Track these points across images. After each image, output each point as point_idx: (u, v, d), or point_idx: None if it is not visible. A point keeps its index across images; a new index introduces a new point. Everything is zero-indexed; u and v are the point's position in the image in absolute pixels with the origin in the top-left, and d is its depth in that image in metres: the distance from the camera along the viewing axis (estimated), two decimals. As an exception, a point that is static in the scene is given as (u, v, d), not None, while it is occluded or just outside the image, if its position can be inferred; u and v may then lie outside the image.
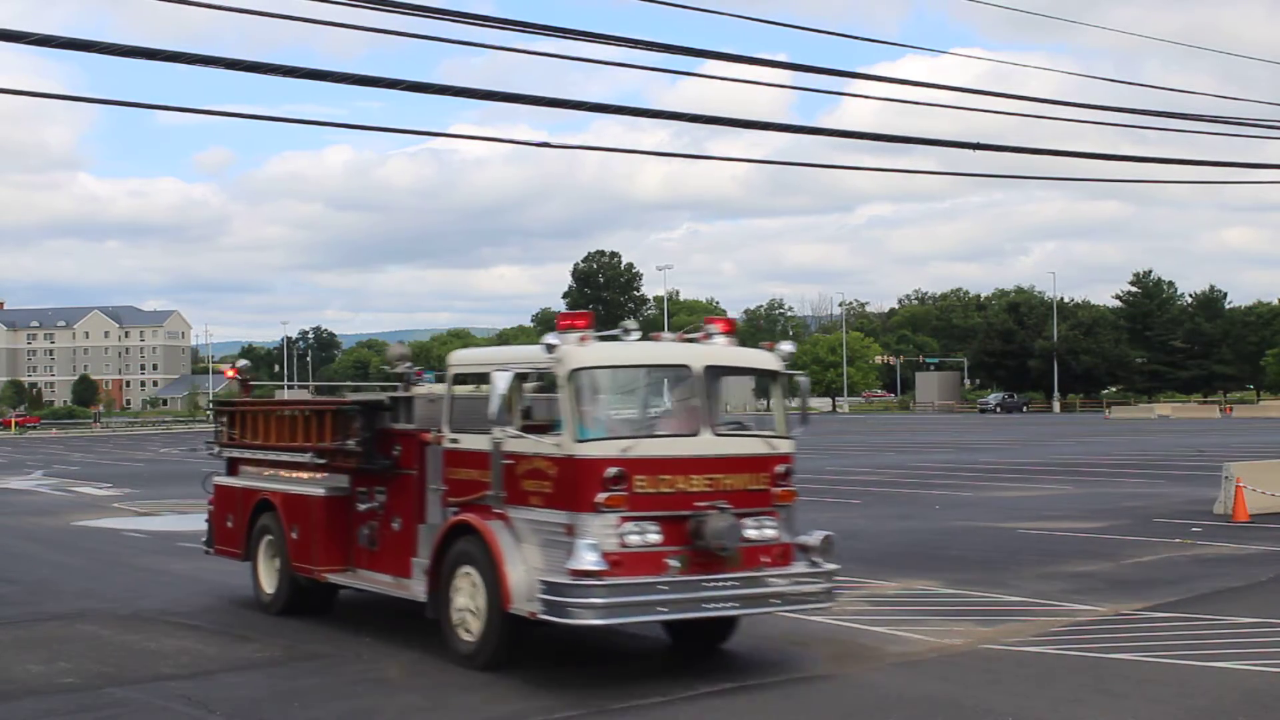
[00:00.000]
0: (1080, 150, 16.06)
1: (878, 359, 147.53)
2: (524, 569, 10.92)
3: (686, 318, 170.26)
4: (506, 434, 11.22)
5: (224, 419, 16.34)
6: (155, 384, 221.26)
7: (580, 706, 10.11)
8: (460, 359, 12.87)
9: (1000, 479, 33.96)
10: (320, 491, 13.90)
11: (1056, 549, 19.31)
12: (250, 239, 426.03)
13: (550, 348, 11.01)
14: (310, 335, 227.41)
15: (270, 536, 14.73)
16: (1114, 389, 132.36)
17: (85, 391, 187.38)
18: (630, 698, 10.39)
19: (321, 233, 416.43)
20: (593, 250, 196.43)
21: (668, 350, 11.87)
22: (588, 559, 10.32)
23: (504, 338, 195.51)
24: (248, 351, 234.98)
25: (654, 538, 10.71)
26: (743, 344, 12.42)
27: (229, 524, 15.65)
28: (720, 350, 11.86)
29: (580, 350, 11.05)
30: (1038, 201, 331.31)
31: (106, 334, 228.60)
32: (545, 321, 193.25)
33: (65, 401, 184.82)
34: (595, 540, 10.43)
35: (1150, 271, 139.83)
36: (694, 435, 11.11)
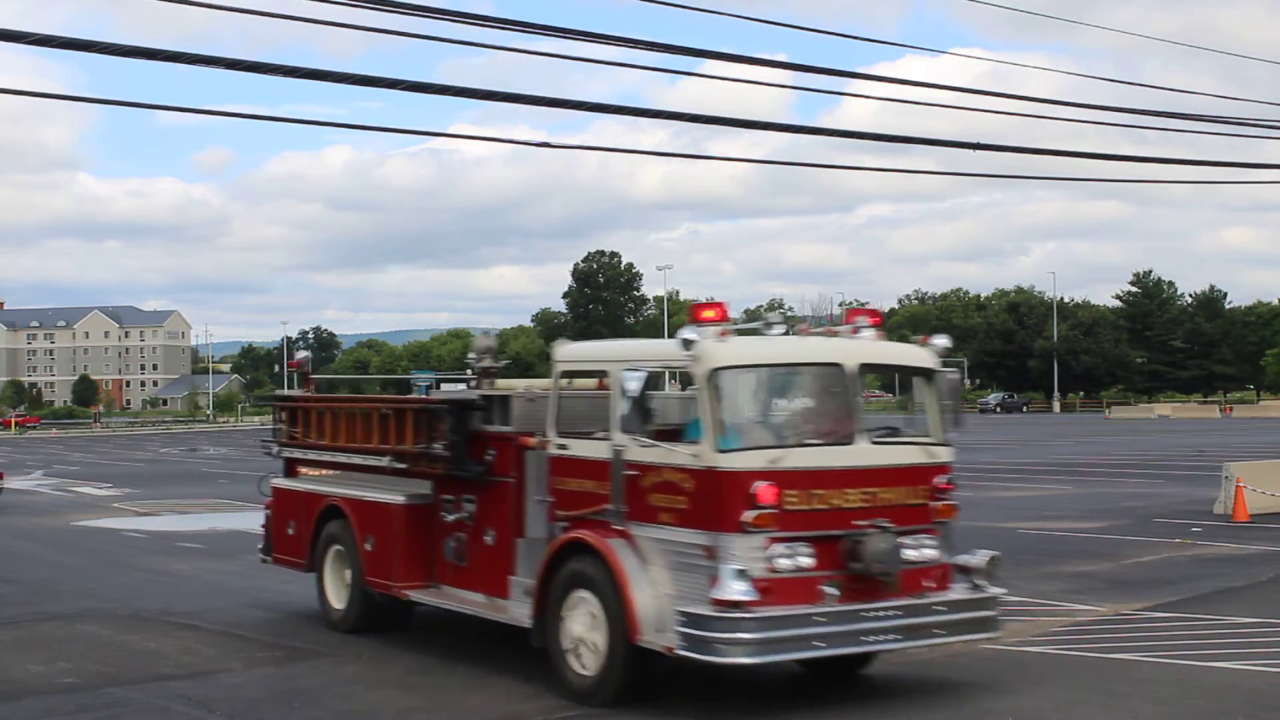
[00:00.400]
0: (1080, 150, 16.09)
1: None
2: (653, 595, 9.70)
3: (686, 318, 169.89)
4: (633, 442, 9.98)
5: (284, 416, 14.95)
6: (155, 384, 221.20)
7: (580, 706, 10.11)
8: (572, 353, 11.51)
9: (1000, 479, 33.95)
10: (400, 499, 12.59)
11: (1056, 549, 19.31)
12: (250, 239, 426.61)
13: (688, 343, 9.74)
14: (310, 335, 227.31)
15: (339, 547, 13.40)
16: (1114, 389, 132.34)
17: (85, 391, 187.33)
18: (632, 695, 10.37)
19: (321, 233, 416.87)
20: (593, 250, 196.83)
21: (818, 347, 10.52)
22: (735, 588, 9.16)
23: (504, 337, 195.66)
24: (248, 351, 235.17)
25: (806, 561, 9.53)
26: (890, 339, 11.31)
27: (290, 531, 14.28)
28: (873, 346, 10.67)
29: (722, 346, 9.84)
30: (1038, 201, 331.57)
31: (106, 334, 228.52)
32: (544, 321, 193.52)
33: (65, 401, 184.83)
34: (743, 565, 9.25)
35: (1150, 271, 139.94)
36: (848, 444, 9.95)
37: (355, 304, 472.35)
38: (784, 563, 9.47)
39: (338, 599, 13.53)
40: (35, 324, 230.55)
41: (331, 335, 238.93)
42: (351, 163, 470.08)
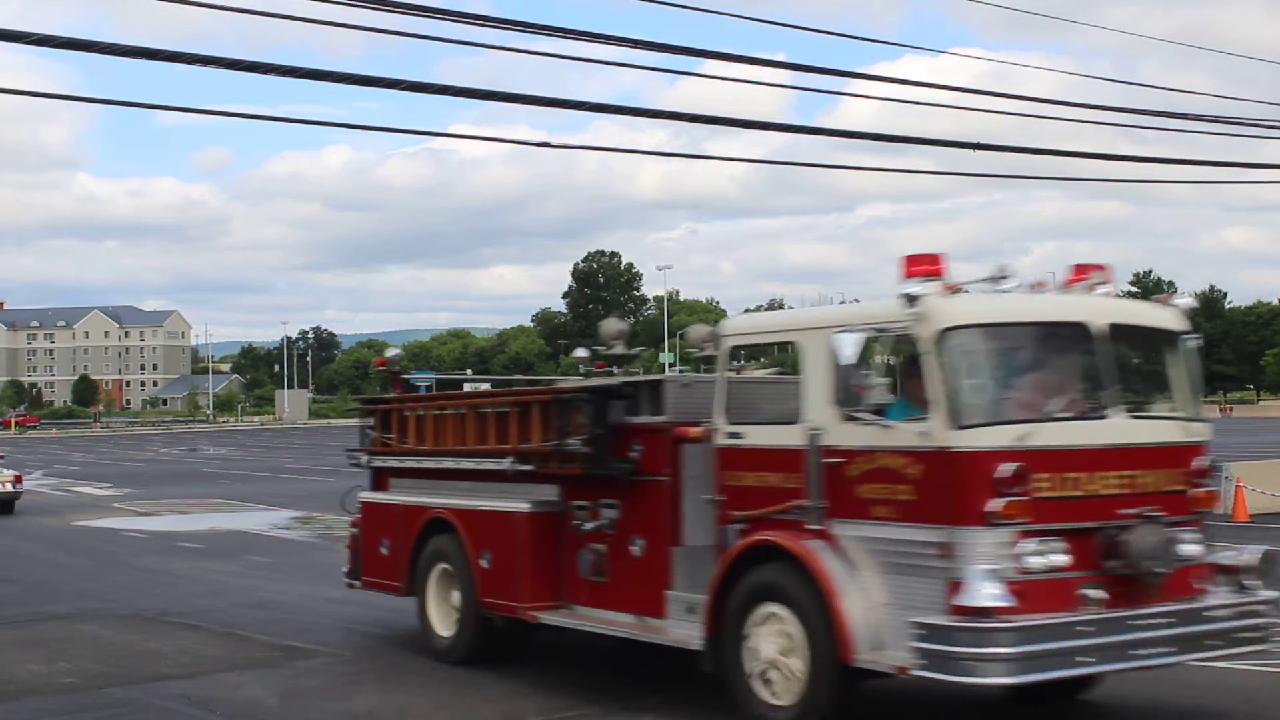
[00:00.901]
0: (1079, 150, 16.07)
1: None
2: (865, 606, 8.36)
3: (686, 318, 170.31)
4: (838, 423, 8.57)
5: (373, 420, 13.28)
6: (155, 384, 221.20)
7: (580, 706, 10.11)
8: (746, 325, 10.21)
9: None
10: (523, 507, 10.97)
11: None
12: (249, 239, 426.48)
13: (911, 299, 8.27)
14: (310, 335, 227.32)
15: (445, 565, 11.86)
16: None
17: (85, 391, 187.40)
18: (631, 696, 10.38)
19: (321, 232, 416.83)
20: (592, 250, 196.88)
21: (1061, 304, 9.01)
22: (987, 592, 7.75)
23: (504, 337, 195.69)
24: (248, 351, 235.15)
25: (1060, 559, 8.11)
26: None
27: (384, 550, 12.68)
28: (1122, 305, 9.34)
29: (953, 303, 8.37)
30: (1037, 201, 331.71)
31: (106, 334, 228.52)
32: (545, 321, 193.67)
33: (65, 401, 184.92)
34: (992, 565, 7.87)
35: (1150, 271, 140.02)
36: (1100, 418, 8.56)
37: (355, 304, 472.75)
38: (1036, 561, 8.01)
39: (444, 625, 11.93)
40: (35, 324, 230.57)
41: (331, 335, 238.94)
42: (351, 162, 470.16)
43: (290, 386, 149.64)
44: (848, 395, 8.40)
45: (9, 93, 13.34)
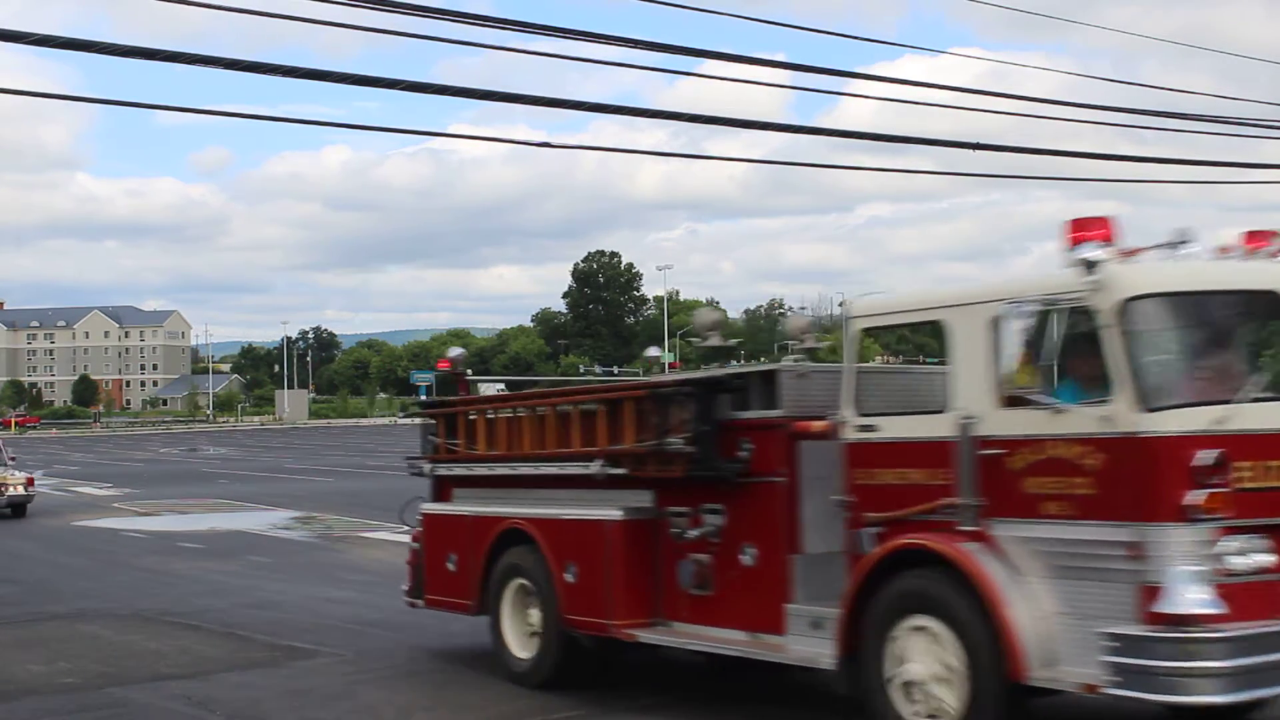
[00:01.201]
0: (1078, 150, 16.06)
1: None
2: (1035, 617, 7.48)
3: (687, 317, 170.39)
4: (999, 407, 7.69)
5: (437, 425, 12.34)
6: (155, 384, 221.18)
7: (581, 706, 10.11)
8: (877, 306, 8.96)
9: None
10: (615, 514, 10.03)
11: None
12: (249, 239, 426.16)
13: (1089, 266, 7.39)
14: (310, 335, 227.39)
15: (523, 581, 10.86)
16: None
17: (85, 391, 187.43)
18: (631, 696, 10.38)
19: (320, 232, 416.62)
20: (592, 250, 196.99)
21: (1253, 271, 7.99)
22: (1192, 597, 6.94)
23: (504, 337, 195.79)
24: (248, 351, 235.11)
25: (1265, 559, 7.25)
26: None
27: (450, 566, 11.70)
28: None
29: (1137, 270, 7.49)
30: (1036, 201, 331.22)
31: (106, 334, 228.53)
32: (545, 321, 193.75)
33: (65, 401, 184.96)
34: (1194, 566, 7.01)
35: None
36: None
37: (355, 304, 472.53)
38: (1239, 561, 7.12)
39: (522, 646, 10.92)
40: (35, 324, 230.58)
41: (331, 335, 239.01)
42: (350, 162, 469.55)
43: (290, 386, 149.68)
44: (1015, 378, 7.39)
45: (8, 93, 13.34)
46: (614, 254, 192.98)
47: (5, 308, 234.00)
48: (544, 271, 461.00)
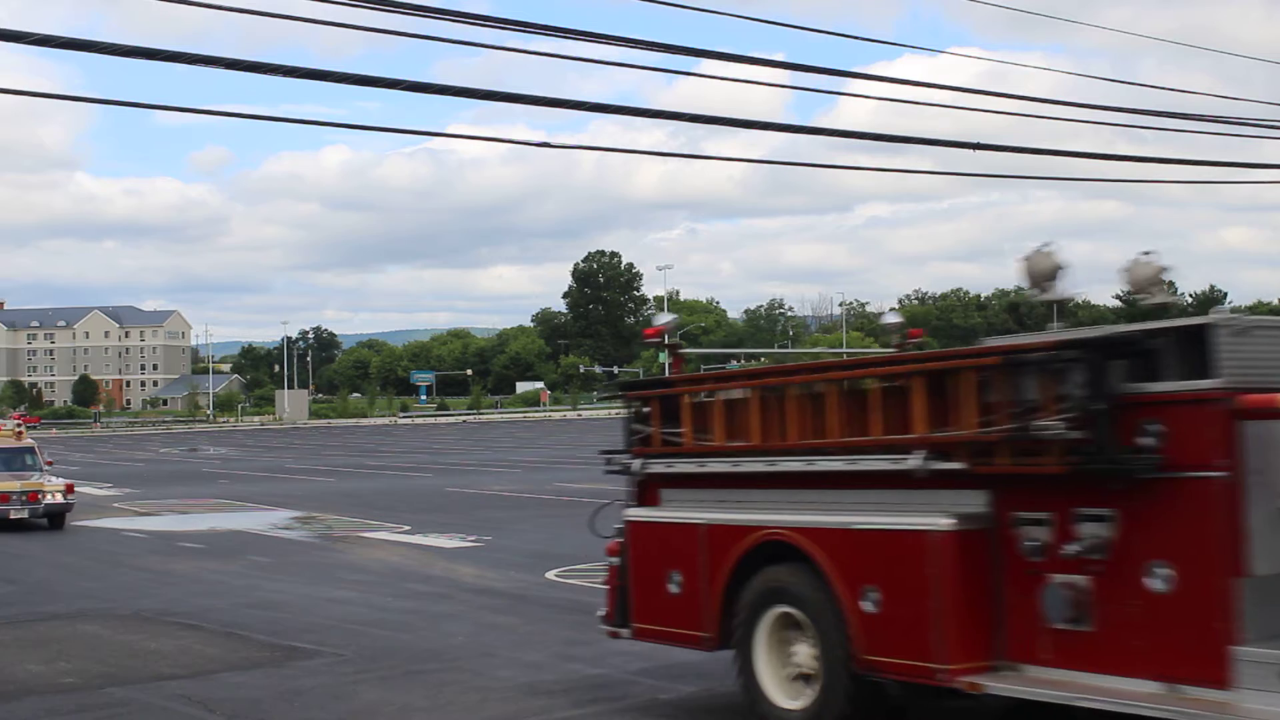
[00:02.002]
0: (1078, 150, 16.08)
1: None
2: None
3: (687, 317, 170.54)
4: None
5: (647, 411, 10.13)
6: (155, 384, 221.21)
7: (580, 706, 10.12)
8: None
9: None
10: (944, 523, 7.83)
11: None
12: (248, 239, 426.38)
13: None
14: (310, 335, 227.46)
15: (788, 608, 8.79)
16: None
17: (85, 391, 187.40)
18: (630, 696, 10.39)
19: (320, 232, 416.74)
20: (592, 250, 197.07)
21: None
22: None
23: (504, 337, 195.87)
24: (248, 351, 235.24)
25: None
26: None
27: (673, 587, 9.60)
28: None
29: None
30: (1035, 202, 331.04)
31: (106, 334, 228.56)
32: (545, 321, 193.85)
33: (65, 401, 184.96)
34: None
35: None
36: None
37: (354, 304, 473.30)
38: None
39: (786, 692, 8.89)
40: (35, 324, 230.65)
41: (331, 335, 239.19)
42: (349, 162, 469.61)
43: (290, 386, 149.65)
44: None
45: (8, 93, 13.34)
46: (614, 254, 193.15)
47: (5, 308, 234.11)
48: (543, 271, 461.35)
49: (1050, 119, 17.05)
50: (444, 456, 54.41)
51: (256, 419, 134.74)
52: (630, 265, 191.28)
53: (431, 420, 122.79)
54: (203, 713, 10.18)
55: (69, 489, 26.61)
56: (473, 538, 22.46)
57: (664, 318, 10.73)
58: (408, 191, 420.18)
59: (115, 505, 32.13)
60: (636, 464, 10.10)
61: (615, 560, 10.23)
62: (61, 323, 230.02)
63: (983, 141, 14.35)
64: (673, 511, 9.85)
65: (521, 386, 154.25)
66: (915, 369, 8.28)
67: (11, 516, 25.44)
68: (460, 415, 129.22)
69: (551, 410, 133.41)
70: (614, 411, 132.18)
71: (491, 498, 31.43)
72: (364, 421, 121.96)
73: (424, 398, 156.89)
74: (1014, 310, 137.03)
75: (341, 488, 36.72)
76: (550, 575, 17.65)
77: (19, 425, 28.48)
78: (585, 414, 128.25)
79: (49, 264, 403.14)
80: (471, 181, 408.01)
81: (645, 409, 10.16)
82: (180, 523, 27.16)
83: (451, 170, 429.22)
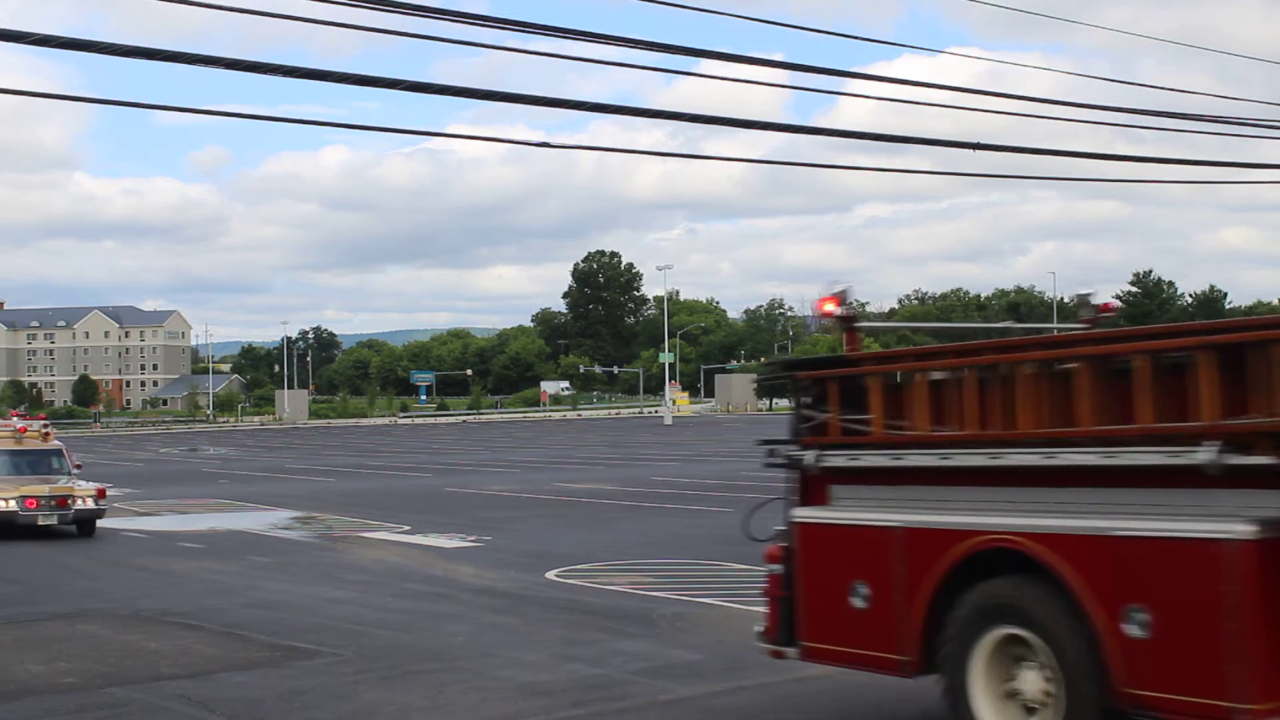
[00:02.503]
0: (1077, 150, 16.07)
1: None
2: None
3: (687, 317, 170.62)
4: None
5: (826, 394, 8.88)
6: (155, 384, 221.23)
7: (580, 706, 10.12)
8: None
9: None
10: (1241, 531, 6.61)
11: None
12: (248, 239, 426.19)
13: None
14: (310, 335, 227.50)
15: (1015, 629, 7.59)
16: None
17: (85, 391, 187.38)
18: (630, 696, 10.40)
19: (319, 233, 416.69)
20: (592, 250, 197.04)
21: None
22: None
23: (504, 337, 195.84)
24: (248, 351, 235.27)
25: None
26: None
27: (858, 601, 8.45)
28: None
29: None
30: (1035, 202, 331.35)
31: (106, 334, 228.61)
32: (545, 321, 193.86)
33: (65, 401, 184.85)
34: None
35: (1150, 271, 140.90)
36: None
37: (354, 304, 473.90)
38: None
39: None
40: (35, 324, 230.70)
41: (331, 335, 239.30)
42: (348, 162, 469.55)
43: (290, 386, 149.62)
44: None
45: (7, 93, 13.36)
46: (614, 254, 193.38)
47: (5, 308, 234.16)
48: (543, 271, 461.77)
49: (1049, 119, 17.05)
50: (444, 456, 54.41)
51: (256, 419, 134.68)
52: (630, 265, 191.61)
53: (431, 420, 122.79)
54: (203, 713, 10.19)
55: (100, 494, 24.66)
56: (473, 538, 22.46)
57: (839, 288, 9.18)
58: (407, 191, 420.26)
59: (115, 505, 32.07)
60: (809, 456, 8.80)
61: (776, 568, 9.02)
62: (61, 323, 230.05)
63: (982, 141, 14.35)
64: (858, 512, 8.57)
65: (550, 386, 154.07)
66: (1203, 342, 6.92)
67: (39, 523, 23.72)
68: (460, 415, 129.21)
69: (551, 410, 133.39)
70: (614, 412, 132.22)
71: (491, 498, 31.43)
72: (364, 422, 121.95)
73: (424, 398, 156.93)
74: (1014, 310, 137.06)
75: (341, 488, 36.72)
76: (550, 575, 17.65)
77: (45, 425, 26.56)
78: (585, 414, 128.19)
79: (48, 264, 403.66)
80: (471, 181, 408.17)
81: (819, 393, 8.90)
82: (180, 523, 27.15)
83: (451, 170, 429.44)
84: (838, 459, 8.73)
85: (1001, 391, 7.78)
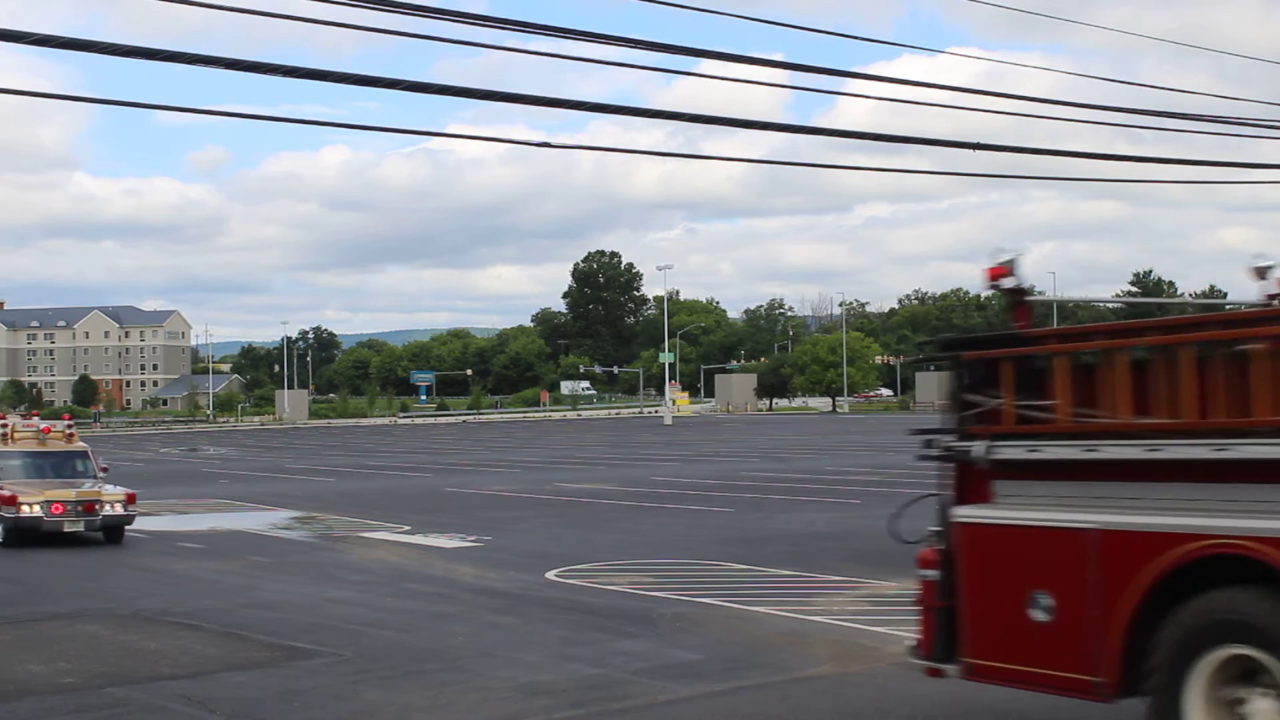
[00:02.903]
0: (1076, 150, 16.09)
1: (878, 359, 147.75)
2: None
3: (687, 317, 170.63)
4: None
5: (1000, 376, 7.89)
6: (155, 384, 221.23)
7: (580, 706, 10.12)
8: None
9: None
10: None
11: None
12: (247, 239, 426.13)
13: None
14: (310, 335, 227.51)
15: (1248, 649, 6.68)
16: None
17: (85, 391, 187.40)
18: (630, 697, 10.40)
19: (319, 233, 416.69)
20: (592, 250, 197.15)
21: None
22: None
23: (504, 337, 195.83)
24: (248, 351, 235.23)
25: None
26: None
27: (1038, 613, 7.45)
28: None
29: None
30: (1035, 202, 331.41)
31: (106, 334, 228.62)
32: (545, 321, 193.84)
33: (65, 401, 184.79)
34: None
35: (1150, 271, 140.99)
36: None
37: (354, 304, 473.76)
38: None
39: None
40: (35, 324, 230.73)
41: (331, 335, 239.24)
42: (348, 162, 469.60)
43: (290, 386, 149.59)
44: None
45: (7, 93, 13.34)
46: (614, 254, 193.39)
47: (5, 308, 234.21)
48: (543, 271, 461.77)
49: (1049, 119, 17.05)
50: (444, 456, 54.41)
51: (256, 419, 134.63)
52: (630, 265, 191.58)
53: (431, 420, 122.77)
54: (203, 713, 10.19)
55: (130, 499, 22.84)
56: (472, 538, 22.46)
57: (1008, 255, 8.20)
58: (407, 191, 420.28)
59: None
60: (978, 448, 7.81)
61: (931, 574, 8.06)
62: (61, 323, 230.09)
63: (982, 141, 14.35)
64: (1038, 512, 7.55)
65: (568, 386, 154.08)
66: None
67: (66, 530, 22.08)
68: (460, 415, 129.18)
69: (551, 410, 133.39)
70: (614, 412, 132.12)
71: (491, 498, 31.43)
72: (364, 422, 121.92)
73: (424, 398, 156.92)
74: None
75: (341, 488, 36.72)
76: (550, 575, 17.65)
77: (69, 426, 25.07)
78: (585, 414, 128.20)
79: (48, 264, 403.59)
80: (471, 181, 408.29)
81: (989, 375, 7.91)
82: (180, 523, 27.15)
83: (451, 170, 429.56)
84: (1014, 451, 7.68)
85: (1225, 373, 6.80)
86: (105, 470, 24.63)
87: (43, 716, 10.17)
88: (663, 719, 9.81)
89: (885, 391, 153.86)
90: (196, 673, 11.64)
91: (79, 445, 24.59)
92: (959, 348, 8.21)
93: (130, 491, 23.23)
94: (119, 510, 22.57)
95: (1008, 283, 8.11)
